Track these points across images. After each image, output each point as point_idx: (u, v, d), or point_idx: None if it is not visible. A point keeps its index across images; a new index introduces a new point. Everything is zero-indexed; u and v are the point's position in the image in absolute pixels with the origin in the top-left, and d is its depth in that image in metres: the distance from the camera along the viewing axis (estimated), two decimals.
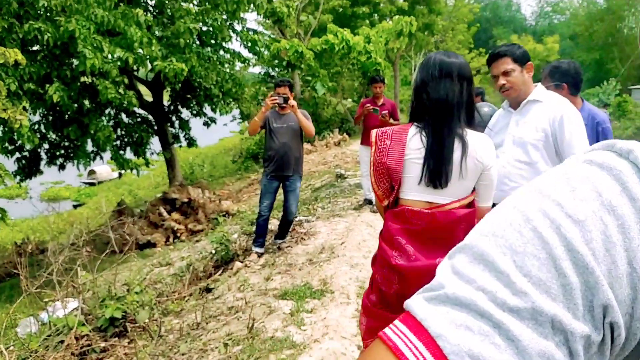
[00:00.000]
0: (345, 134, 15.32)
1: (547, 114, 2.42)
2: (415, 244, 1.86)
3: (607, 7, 38.19)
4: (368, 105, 5.74)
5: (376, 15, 19.53)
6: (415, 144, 1.85)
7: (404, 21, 7.73)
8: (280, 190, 5.07)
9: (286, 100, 4.64)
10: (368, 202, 6.46)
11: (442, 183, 1.80)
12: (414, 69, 24.89)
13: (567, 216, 0.36)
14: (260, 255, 5.09)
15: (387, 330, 0.38)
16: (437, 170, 1.80)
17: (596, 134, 2.93)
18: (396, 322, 0.38)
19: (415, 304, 0.38)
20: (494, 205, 3.30)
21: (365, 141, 6.03)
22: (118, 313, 3.39)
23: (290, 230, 5.43)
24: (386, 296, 1.94)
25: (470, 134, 1.82)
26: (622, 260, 0.34)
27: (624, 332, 0.35)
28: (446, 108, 1.79)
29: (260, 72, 19.04)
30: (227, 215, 7.59)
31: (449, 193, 1.83)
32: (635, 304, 0.34)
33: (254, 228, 5.84)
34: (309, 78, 8.71)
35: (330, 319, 3.38)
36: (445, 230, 1.81)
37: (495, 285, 0.35)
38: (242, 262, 5.08)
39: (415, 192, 1.87)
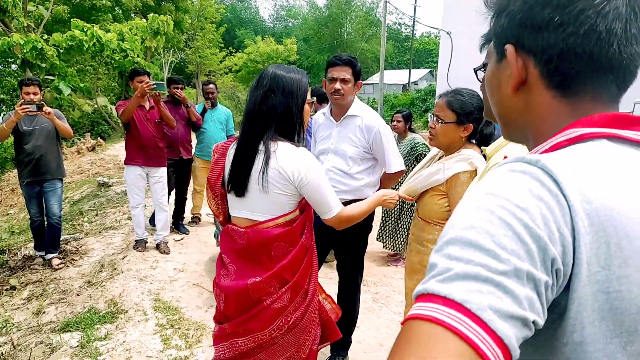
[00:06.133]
0: (99, 138, 13.97)
1: (364, 129, 2.67)
2: (239, 262, 1.84)
3: (329, 14, 44.04)
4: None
5: (119, 10, 18.24)
6: (231, 155, 1.83)
7: (159, 20, 7.47)
8: None
9: (40, 107, 4.17)
10: (143, 243, 5.00)
11: (240, 191, 1.78)
12: (165, 66, 24.18)
13: (517, 206, 0.52)
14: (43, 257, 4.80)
15: (418, 310, 0.50)
16: (235, 177, 1.78)
17: None
18: (422, 303, 0.50)
19: (435, 286, 0.50)
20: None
21: (132, 159, 4.78)
22: None
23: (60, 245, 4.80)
24: (218, 312, 1.95)
25: (282, 147, 1.75)
26: (554, 229, 0.52)
27: (562, 276, 0.52)
28: (257, 118, 1.76)
29: None
30: None
31: (262, 209, 1.80)
32: (564, 256, 0.52)
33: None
34: (50, 77, 7.65)
35: (130, 341, 3.14)
36: (261, 248, 1.80)
37: (487, 260, 0.50)
38: None
39: (236, 209, 1.85)
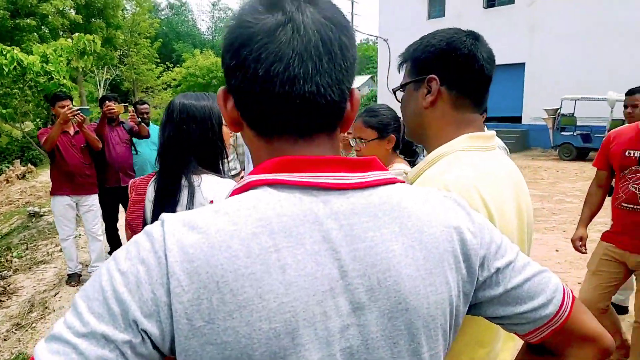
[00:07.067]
0: (29, 164, 13.19)
1: None
2: None
3: None
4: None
5: (46, 29, 17.37)
6: (150, 193, 1.72)
7: (85, 39, 7.14)
8: None
9: None
10: (77, 276, 4.71)
11: None
12: (99, 84, 23.30)
13: (117, 270, 0.56)
14: None
15: None
16: (159, 216, 1.70)
17: None
18: None
19: (37, 345, 0.55)
20: None
21: (59, 189, 4.58)
22: None
23: None
24: None
25: (206, 181, 1.67)
26: (147, 291, 0.55)
27: (158, 334, 0.55)
28: (174, 153, 1.67)
29: None
30: None
31: None
32: (158, 315, 0.55)
33: None
34: None
35: None
36: None
37: (74, 322, 0.54)
38: None
39: None
